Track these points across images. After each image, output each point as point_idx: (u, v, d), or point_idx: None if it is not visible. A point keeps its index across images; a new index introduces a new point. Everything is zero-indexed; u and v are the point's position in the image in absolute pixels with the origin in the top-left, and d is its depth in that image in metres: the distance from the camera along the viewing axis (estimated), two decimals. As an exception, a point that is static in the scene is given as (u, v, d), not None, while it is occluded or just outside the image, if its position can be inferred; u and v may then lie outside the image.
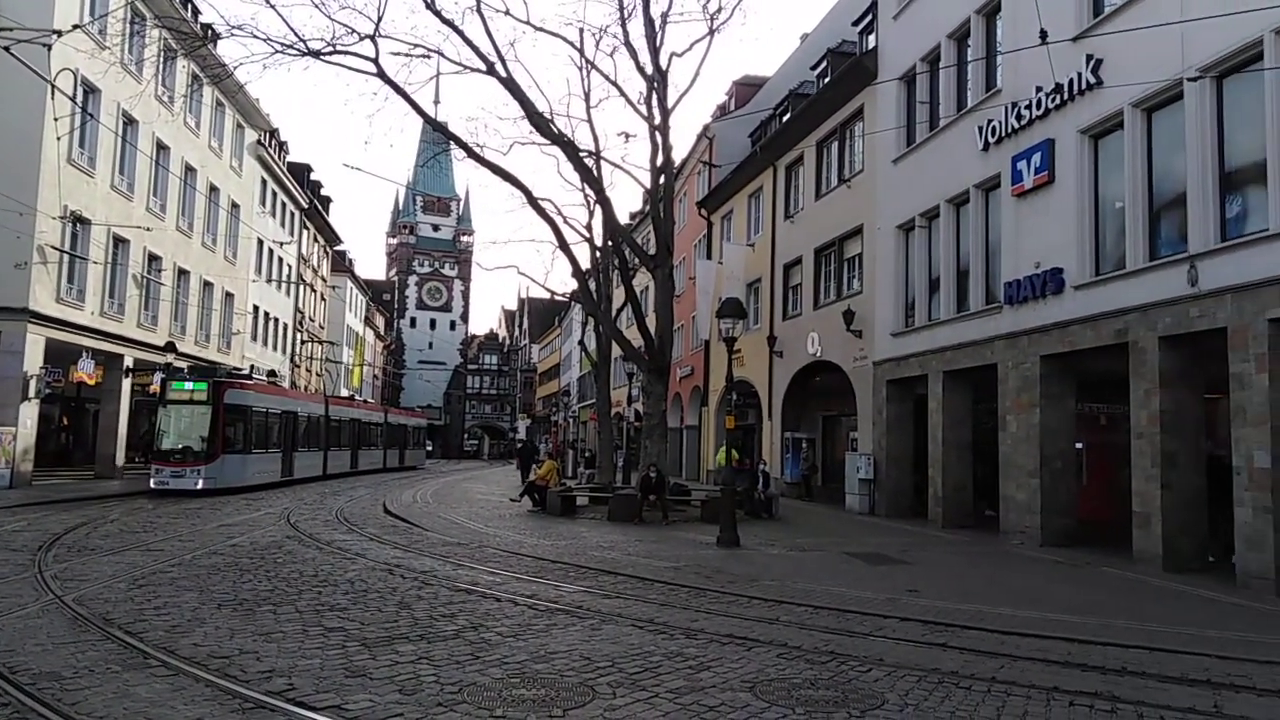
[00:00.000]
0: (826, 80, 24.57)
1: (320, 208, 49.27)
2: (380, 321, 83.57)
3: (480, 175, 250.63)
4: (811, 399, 27.81)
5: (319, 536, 14.22)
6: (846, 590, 10.19)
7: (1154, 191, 12.77)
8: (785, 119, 27.13)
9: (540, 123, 19.81)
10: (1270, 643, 7.92)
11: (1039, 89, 14.64)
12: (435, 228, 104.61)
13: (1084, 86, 13.78)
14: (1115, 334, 13.08)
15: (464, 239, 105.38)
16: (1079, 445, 16.22)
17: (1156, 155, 12.74)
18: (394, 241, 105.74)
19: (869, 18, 22.64)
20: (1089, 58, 13.62)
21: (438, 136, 23.63)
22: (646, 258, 21.26)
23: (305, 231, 47.45)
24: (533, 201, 20.48)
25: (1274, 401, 10.48)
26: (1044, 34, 11.60)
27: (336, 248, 57.25)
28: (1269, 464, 10.43)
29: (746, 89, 35.44)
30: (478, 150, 20.13)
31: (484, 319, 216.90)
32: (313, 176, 48.50)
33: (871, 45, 22.13)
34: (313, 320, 50.54)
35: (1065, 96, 14.18)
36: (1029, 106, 15.03)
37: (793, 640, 7.55)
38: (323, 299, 53.90)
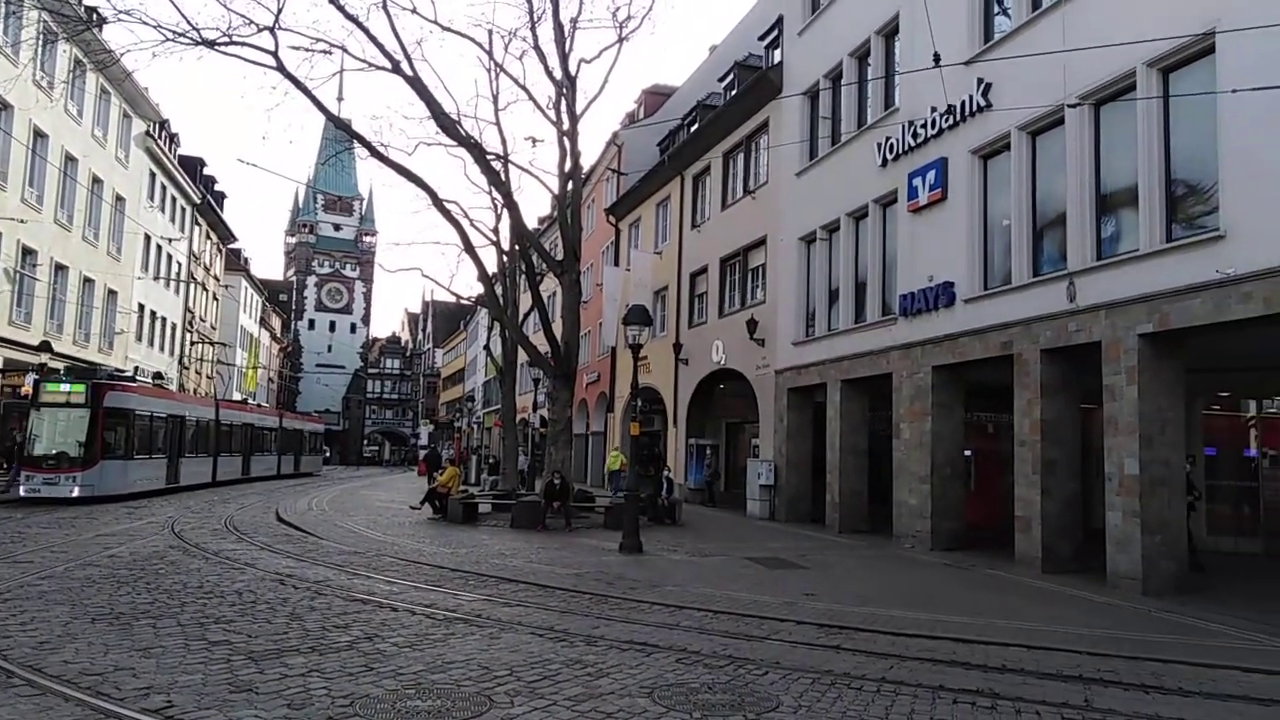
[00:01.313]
0: (733, 93, 25.01)
1: (214, 203, 47.31)
2: (277, 323, 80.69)
3: (384, 175, 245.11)
4: (716, 406, 28.20)
5: (205, 546, 13.61)
6: (746, 595, 10.34)
7: (1038, 211, 13.44)
8: (693, 129, 27.47)
9: (447, 124, 19.52)
10: (1135, 639, 8.40)
11: (934, 109, 15.23)
12: (337, 227, 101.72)
13: (975, 109, 14.41)
14: (1001, 346, 13.68)
15: (366, 239, 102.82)
16: (968, 452, 16.92)
17: (1040, 176, 13.41)
18: (293, 241, 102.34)
19: (775, 33, 23.17)
20: (979, 81, 14.25)
21: (340, 134, 23.05)
22: (554, 263, 21.17)
23: (197, 228, 45.47)
24: (438, 203, 20.16)
25: (1143, 412, 11.14)
26: (937, 57, 12.08)
27: (231, 245, 55.06)
28: (1138, 471, 11.08)
29: (655, 98, 35.78)
30: (382, 150, 19.72)
31: (386, 322, 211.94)
32: (206, 171, 46.55)
33: (777, 60, 22.64)
34: (204, 320, 48.44)
35: (957, 117, 14.80)
36: (924, 125, 15.62)
37: (692, 645, 7.61)
38: (215, 298, 51.72)
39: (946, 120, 15.04)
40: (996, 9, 14.67)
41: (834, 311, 19.02)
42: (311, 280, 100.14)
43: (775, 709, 5.82)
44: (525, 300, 26.01)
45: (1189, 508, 13.09)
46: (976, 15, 14.75)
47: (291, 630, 7.73)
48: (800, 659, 7.26)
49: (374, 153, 19.47)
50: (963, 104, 14.60)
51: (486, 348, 39.21)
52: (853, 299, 18.28)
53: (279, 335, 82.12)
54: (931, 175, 15.45)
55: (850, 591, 10.88)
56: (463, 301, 40.18)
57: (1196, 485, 13.53)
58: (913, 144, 16.01)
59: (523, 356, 25.48)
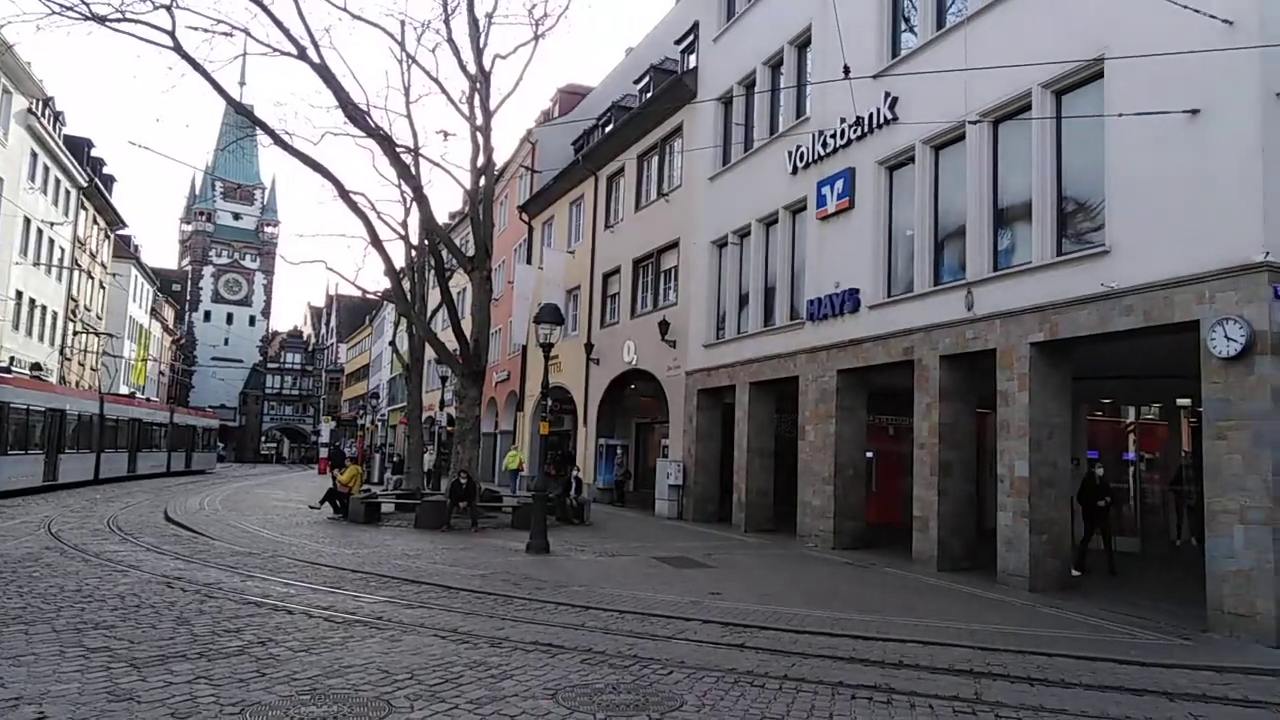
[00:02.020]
0: (649, 95, 25.12)
1: (102, 187, 44.84)
2: (169, 314, 77.12)
3: (289, 164, 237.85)
4: (627, 406, 28.27)
5: (85, 547, 12.89)
6: (652, 594, 10.37)
7: (939, 222, 13.91)
8: (608, 130, 27.48)
9: (355, 114, 19.00)
10: (1023, 634, 8.78)
11: (843, 120, 15.61)
12: (236, 216, 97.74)
13: (882, 121, 14.82)
14: (903, 351, 14.11)
15: (268, 230, 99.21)
16: (869, 454, 17.38)
17: (942, 189, 13.89)
18: (189, 229, 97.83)
19: (691, 38, 23.37)
20: (887, 95, 14.68)
21: (242, 120, 22.10)
22: (464, 259, 20.84)
23: (83, 212, 43.03)
24: (344, 195, 19.60)
25: (1033, 417, 11.66)
26: (847, 69, 12.37)
27: (120, 231, 52.29)
28: (1027, 473, 11.59)
29: (571, 97, 35.65)
30: (286, 138, 19.07)
31: (288, 315, 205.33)
32: (94, 152, 44.07)
33: (692, 65, 22.85)
34: (89, 310, 45.88)
35: (865, 129, 15.20)
36: (834, 136, 15.99)
37: (597, 645, 7.59)
38: (102, 287, 49.06)
39: (855, 131, 15.43)
40: (904, 26, 15.13)
41: (744, 315, 19.29)
42: (208, 270, 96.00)
43: (679, 708, 5.85)
44: (434, 296, 25.54)
45: (1105, 510, 13.75)
46: (885, 31, 15.19)
47: (178, 635, 7.38)
48: (705, 658, 7.32)
49: (277, 140, 18.80)
50: (870, 116, 15.01)
51: (392, 344, 38.33)
52: (762, 303, 18.58)
53: (171, 327, 78.53)
54: (840, 184, 15.83)
55: (755, 590, 11.04)
56: (369, 296, 39.17)
57: (1110, 489, 14.15)
58: (822, 153, 16.37)
59: (430, 353, 25.02)
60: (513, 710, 5.68)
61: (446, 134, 23.25)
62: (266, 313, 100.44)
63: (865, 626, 8.83)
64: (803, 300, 16.90)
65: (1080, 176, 11.45)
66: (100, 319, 48.04)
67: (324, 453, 49.99)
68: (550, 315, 14.96)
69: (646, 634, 8.21)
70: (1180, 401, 17.40)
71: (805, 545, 16.00)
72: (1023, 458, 11.66)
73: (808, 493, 16.34)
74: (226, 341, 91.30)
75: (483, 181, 20.63)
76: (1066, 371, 12.04)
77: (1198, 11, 9.30)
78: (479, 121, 20.00)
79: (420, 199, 20.54)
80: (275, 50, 18.41)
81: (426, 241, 23.07)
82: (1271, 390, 8.81)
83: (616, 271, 25.98)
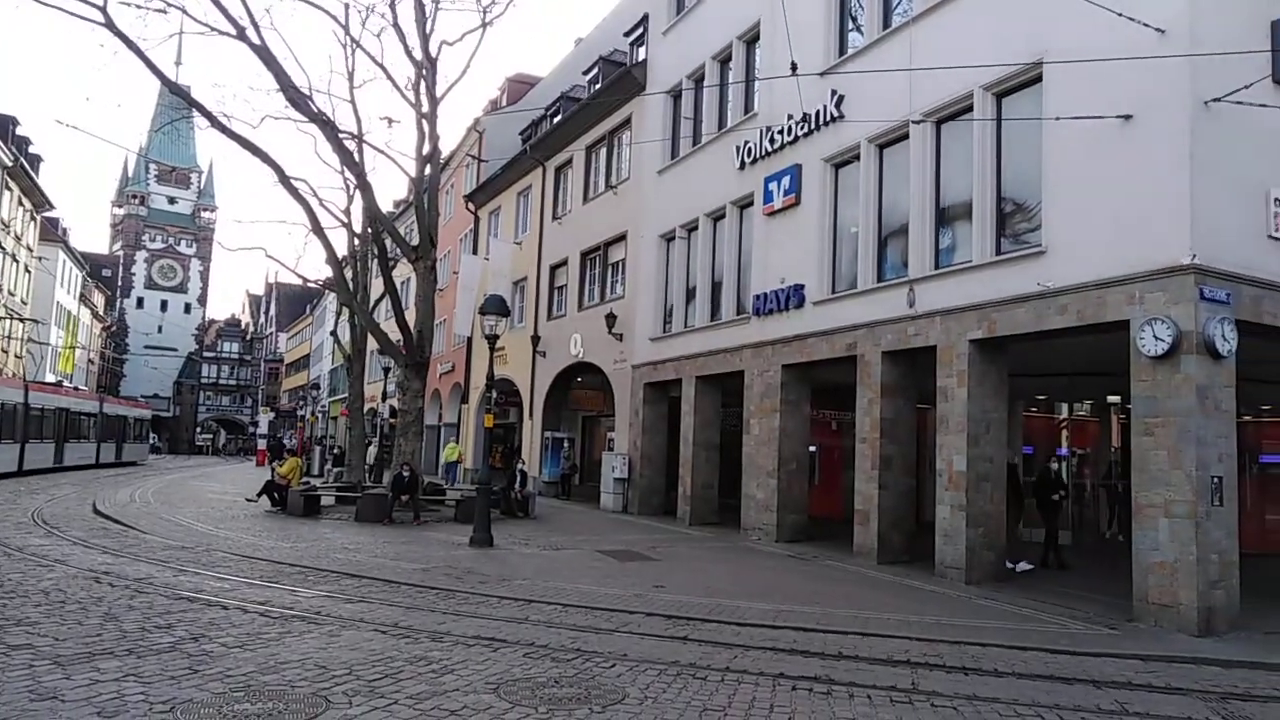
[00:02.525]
0: (598, 87, 25.02)
1: (27, 167, 43.08)
2: (100, 300, 74.57)
3: (228, 147, 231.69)
4: (573, 399, 28.17)
5: (7, 541, 12.42)
6: (596, 588, 10.36)
7: (883, 220, 14.11)
8: (556, 121, 27.30)
9: (297, 98, 18.55)
10: (959, 625, 8.97)
11: (790, 116, 15.72)
12: (172, 200, 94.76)
13: (828, 118, 14.97)
14: (847, 347, 14.30)
15: (205, 215, 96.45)
16: (813, 448, 17.60)
17: (887, 187, 14.09)
18: (121, 212, 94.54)
19: (640, 31, 23.33)
20: (833, 93, 14.83)
21: (178, 101, 21.45)
22: (408, 248, 20.52)
23: (7, 193, 41.32)
24: (285, 181, 19.14)
25: (970, 413, 11.91)
26: (794, 66, 12.45)
27: (47, 214, 50.36)
28: (965, 467, 11.84)
29: (519, 86, 35.34)
30: (224, 121, 18.51)
31: (225, 303, 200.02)
32: (19, 131, 42.35)
33: (642, 58, 22.80)
34: (13, 295, 44.10)
35: (812, 126, 15.34)
36: (781, 132, 16.10)
37: (540, 639, 7.55)
38: (27, 270, 47.18)
39: (802, 128, 15.56)
40: (851, 25, 15.29)
41: (691, 309, 19.35)
42: (141, 256, 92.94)
43: (621, 701, 5.85)
44: (377, 286, 25.10)
45: (1057, 505, 14.07)
46: (832, 29, 15.33)
47: (106, 632, 7.15)
48: (648, 651, 7.33)
49: (214, 123, 18.25)
50: (817, 113, 15.15)
51: (334, 333, 37.58)
52: (709, 297, 18.66)
53: (102, 313, 75.95)
54: (786, 180, 15.96)
55: (698, 583, 11.10)
56: (310, 284, 38.37)
57: (1064, 483, 14.46)
58: (770, 149, 16.48)
59: (373, 344, 24.60)
60: (453, 705, 5.63)
61: (391, 120, 22.84)
62: (203, 300, 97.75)
63: (807, 618, 8.94)
64: (749, 295, 17.01)
65: (1019, 178, 11.71)
66: (25, 304, 46.24)
67: (262, 444, 48.90)
68: (495, 306, 14.82)
69: (590, 627, 8.19)
70: (1111, 399, 17.98)
71: (749, 538, 16.13)
72: (960, 453, 11.90)
73: (752, 486, 16.48)
74: (160, 329, 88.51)
75: (428, 170, 20.34)
76: (1004, 368, 12.32)
77: (1131, 19, 9.57)
78: (425, 109, 19.69)
79: (364, 186, 20.16)
80: (213, 30, 17.90)
81: (370, 230, 22.68)
82: (1196, 388, 9.13)
83: (564, 263, 25.85)
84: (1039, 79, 11.24)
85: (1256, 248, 9.74)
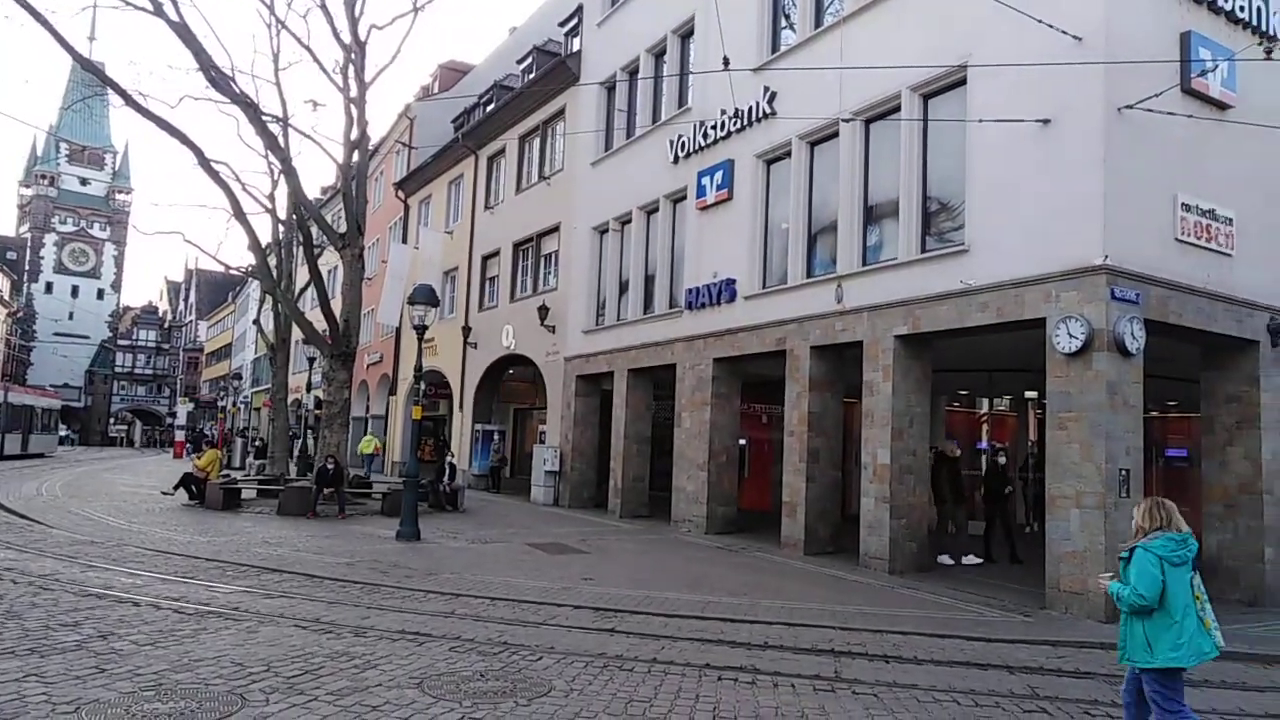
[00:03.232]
0: (531, 76, 24.79)
1: (-73, 142, 40.76)
2: (5, 284, 71.06)
3: (144, 127, 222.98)
4: (504, 391, 27.94)
5: (-101, 537, 11.76)
6: (524, 581, 10.30)
7: (813, 217, 14.31)
8: (489, 109, 26.97)
9: (218, 79, 17.91)
10: (881, 614, 9.18)
11: (723, 112, 15.82)
12: (84, 181, 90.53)
13: (761, 115, 15.11)
14: (777, 342, 14.47)
15: (120, 197, 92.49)
16: (743, 441, 17.78)
17: (817, 184, 14.29)
18: (29, 193, 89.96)
19: (575, 21, 23.17)
20: (766, 89, 14.97)
21: (91, 78, 20.50)
22: (335, 236, 20.05)
23: (-97, 168, 39.02)
24: (205, 164, 18.48)
25: (895, 407, 12.18)
26: (726, 61, 12.52)
27: (-52, 192, 47.74)
28: (889, 460, 12.11)
29: (452, 74, 34.82)
30: (140, 99, 17.70)
31: (142, 289, 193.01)
32: (-82, 103, 39.99)
33: (576, 48, 22.67)
34: (-91, 277, 41.74)
35: (745, 122, 15.46)
36: (714, 127, 16.19)
37: (466, 633, 7.48)
38: (-75, 252, 44.70)
39: (735, 124, 15.67)
40: (784, 23, 15.45)
41: (624, 302, 19.35)
42: (50, 239, 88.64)
43: (547, 693, 5.82)
44: (303, 274, 24.47)
45: (1004, 498, 14.29)
46: (765, 26, 15.47)
47: (7, 630, 6.83)
48: (575, 643, 7.32)
49: (129, 101, 17.49)
50: (750, 109, 15.27)
51: (257, 322, 36.56)
52: (642, 291, 18.68)
53: (7, 298, 72.40)
54: (719, 175, 16.05)
55: (627, 575, 11.12)
56: (232, 271, 37.09)
57: (1010, 477, 14.66)
58: (703, 144, 16.56)
59: (298, 333, 23.99)
60: (375, 700, 5.53)
61: (316, 104, 22.03)
62: (117, 286, 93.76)
63: (734, 609, 9.03)
64: (681, 289, 17.08)
65: (944, 178, 11.99)
66: (-77, 288, 43.80)
67: (180, 436, 47.32)
68: (424, 296, 14.59)
69: (517, 620, 8.14)
70: (1028, 394, 18.56)
71: (679, 530, 16.23)
72: (885, 446, 12.16)
73: (682, 479, 16.58)
74: (71, 316, 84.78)
75: (356, 156, 19.89)
76: (927, 364, 12.63)
77: (1051, 26, 9.88)
78: (353, 93, 19.24)
79: (289, 171, 19.61)
80: (129, 4, 17.14)
81: (295, 216, 22.07)
82: (1107, 384, 9.49)
83: (496, 254, 25.58)
84: (964, 82, 11.52)
85: (1164, 250, 10.17)
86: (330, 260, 29.60)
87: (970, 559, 13.04)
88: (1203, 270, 10.48)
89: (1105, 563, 9.24)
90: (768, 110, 14.94)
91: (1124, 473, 9.54)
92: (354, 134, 19.62)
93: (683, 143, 17.14)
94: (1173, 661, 4.70)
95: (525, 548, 13.42)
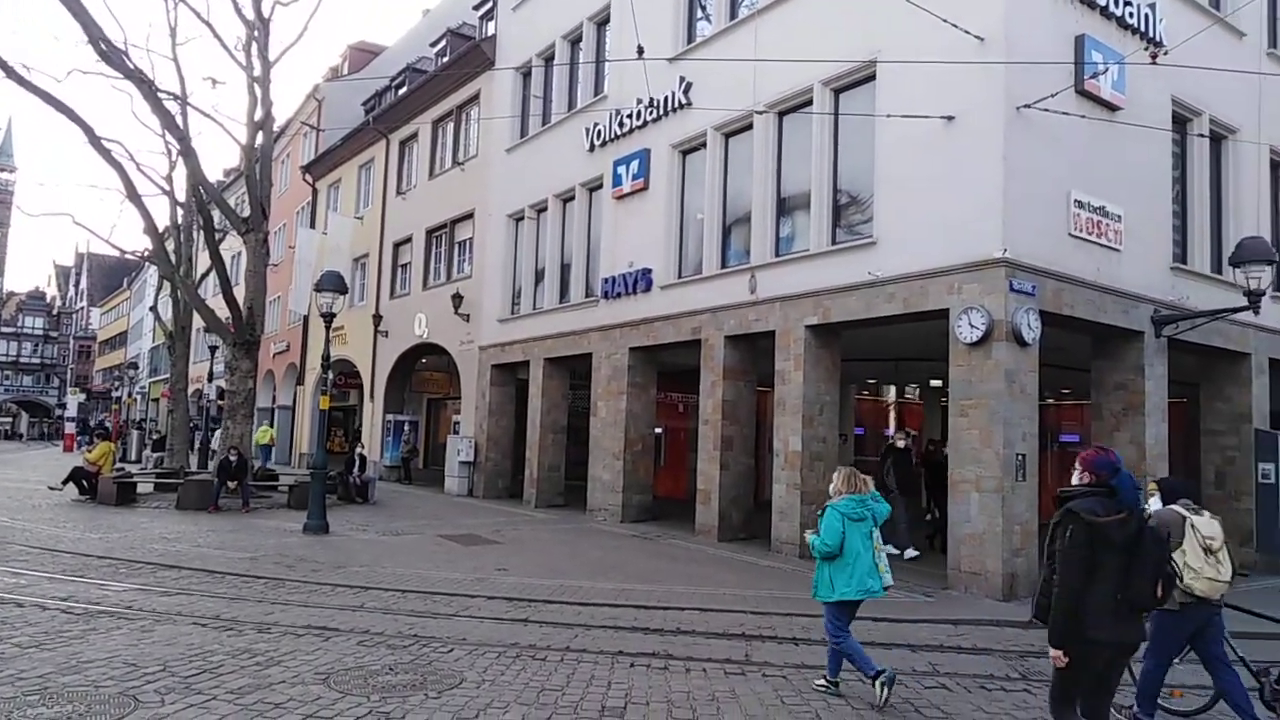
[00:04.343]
0: (445, 59, 24.33)
1: None
2: (-127, 267, 66.18)
3: (28, 102, 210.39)
4: (417, 381, 27.45)
5: None
6: (436, 572, 10.15)
7: (728, 207, 14.45)
8: (401, 92, 26.36)
9: (110, 52, 16.99)
10: (792, 598, 9.35)
11: (640, 101, 15.80)
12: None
13: (676, 105, 15.16)
14: (692, 331, 14.58)
15: (3, 176, 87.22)
16: (658, 430, 17.88)
17: (732, 175, 14.42)
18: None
19: (490, 4, 22.81)
20: (681, 79, 15.02)
21: (-33, 45, 19.22)
22: (238, 220, 19.30)
23: None
24: (95, 142, 17.51)
25: (805, 395, 12.43)
26: (641, 50, 12.49)
27: None
28: (800, 447, 12.35)
29: (362, 55, 33.89)
30: (23, 72, 16.64)
31: (27, 274, 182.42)
32: None
33: (491, 32, 22.32)
34: None
35: (661, 112, 15.49)
36: (630, 116, 16.17)
37: (375, 627, 7.33)
38: None
39: (651, 113, 15.69)
40: (700, 13, 15.52)
41: (539, 290, 19.20)
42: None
43: (459, 685, 5.75)
44: (204, 259, 23.50)
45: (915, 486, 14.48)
46: (681, 17, 15.50)
47: None
48: (487, 634, 7.25)
49: (11, 74, 16.41)
50: (666, 99, 15.30)
51: (154, 309, 34.98)
52: (558, 279, 18.57)
53: (-124, 282, 67.46)
54: (635, 165, 16.05)
55: (542, 565, 11.08)
56: (127, 256, 35.46)
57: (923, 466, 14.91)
58: (619, 132, 16.52)
59: (199, 321, 23.06)
60: (278, 698, 5.37)
61: (215, 81, 21.11)
62: (0, 270, 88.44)
63: (648, 596, 9.09)
64: (598, 278, 17.05)
65: (854, 171, 12.26)
66: None
67: (70, 428, 44.95)
68: (332, 283, 14.20)
69: (428, 613, 8.02)
70: (933, 383, 19.22)
71: (595, 519, 16.24)
72: (796, 433, 12.40)
73: (598, 468, 16.58)
74: (-52, 301, 79.61)
75: (260, 137, 19.18)
76: (837, 353, 12.92)
77: (955, 26, 10.19)
78: (257, 72, 18.54)
79: (187, 152, 18.77)
80: (10, -31, 16.10)
81: (195, 199, 21.16)
82: (1005, 373, 9.88)
83: (408, 240, 25.05)
84: (873, 77, 11.79)
85: (1058, 244, 10.62)
86: (233, 245, 28.50)
87: (910, 553, 12.53)
88: (1093, 264, 10.99)
89: (1002, 544, 9.64)
90: (683, 100, 15.00)
91: (1020, 458, 9.95)
92: (258, 114, 18.91)
93: (599, 131, 17.07)
94: (845, 595, 5.88)
95: (438, 539, 13.22)
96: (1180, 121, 12.45)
